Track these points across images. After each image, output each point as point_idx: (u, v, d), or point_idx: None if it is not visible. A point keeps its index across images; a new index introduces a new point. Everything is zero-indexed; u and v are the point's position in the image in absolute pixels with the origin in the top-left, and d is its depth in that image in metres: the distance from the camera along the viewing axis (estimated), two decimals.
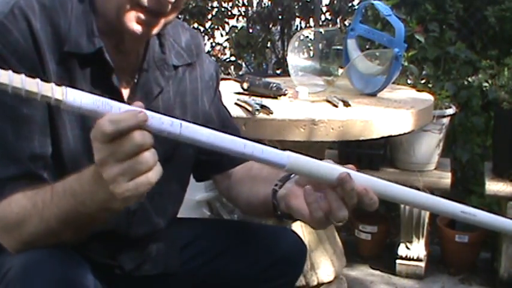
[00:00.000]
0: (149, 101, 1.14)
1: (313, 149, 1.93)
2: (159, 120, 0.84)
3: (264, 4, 3.76)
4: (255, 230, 1.33)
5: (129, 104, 0.86)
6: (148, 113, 0.83)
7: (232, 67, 3.75)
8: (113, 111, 0.83)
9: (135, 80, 1.15)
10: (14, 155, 1.00)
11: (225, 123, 1.30)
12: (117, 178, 0.82)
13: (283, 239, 1.28)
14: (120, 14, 1.02)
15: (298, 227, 1.82)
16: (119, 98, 1.08)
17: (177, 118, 0.86)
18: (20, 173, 1.00)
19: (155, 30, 1.07)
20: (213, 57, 2.96)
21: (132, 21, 1.02)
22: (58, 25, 1.03)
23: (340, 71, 2.06)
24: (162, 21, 1.06)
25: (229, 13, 3.75)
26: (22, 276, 0.93)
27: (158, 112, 0.90)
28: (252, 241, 1.27)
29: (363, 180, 0.92)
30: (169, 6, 1.04)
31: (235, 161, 1.27)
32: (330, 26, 3.55)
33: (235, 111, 1.59)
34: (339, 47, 2.13)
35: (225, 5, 3.73)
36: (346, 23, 3.47)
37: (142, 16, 1.02)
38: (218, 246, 1.28)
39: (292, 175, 1.04)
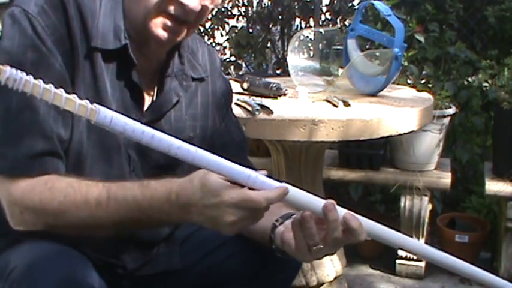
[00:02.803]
0: (167, 109, 1.17)
1: (313, 149, 1.93)
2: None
3: (264, 4, 3.76)
4: None
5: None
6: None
7: (232, 67, 3.74)
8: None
9: (156, 87, 1.18)
10: (44, 131, 1.01)
11: (234, 138, 1.33)
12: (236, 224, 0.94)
13: None
14: (148, 19, 1.06)
15: None
16: (140, 93, 1.12)
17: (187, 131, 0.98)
18: (47, 150, 1.01)
19: (179, 38, 1.11)
20: None
21: (159, 27, 1.07)
22: (87, 20, 1.06)
23: (340, 71, 2.06)
24: (186, 30, 1.10)
25: (229, 13, 3.75)
26: (27, 275, 0.93)
27: (170, 122, 1.05)
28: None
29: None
30: (194, 16, 1.08)
31: None
32: (330, 26, 3.55)
33: (235, 111, 1.59)
34: (339, 47, 2.13)
35: (225, 5, 3.72)
36: (346, 23, 3.47)
37: (168, 23, 1.07)
38: (215, 241, 1.28)
39: (293, 215, 1.07)
